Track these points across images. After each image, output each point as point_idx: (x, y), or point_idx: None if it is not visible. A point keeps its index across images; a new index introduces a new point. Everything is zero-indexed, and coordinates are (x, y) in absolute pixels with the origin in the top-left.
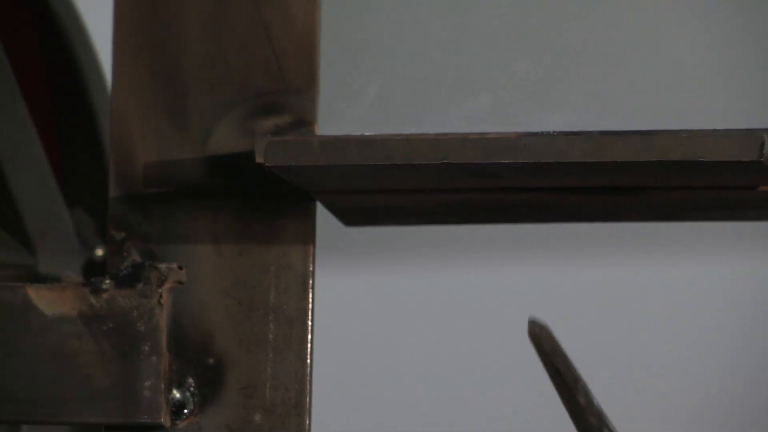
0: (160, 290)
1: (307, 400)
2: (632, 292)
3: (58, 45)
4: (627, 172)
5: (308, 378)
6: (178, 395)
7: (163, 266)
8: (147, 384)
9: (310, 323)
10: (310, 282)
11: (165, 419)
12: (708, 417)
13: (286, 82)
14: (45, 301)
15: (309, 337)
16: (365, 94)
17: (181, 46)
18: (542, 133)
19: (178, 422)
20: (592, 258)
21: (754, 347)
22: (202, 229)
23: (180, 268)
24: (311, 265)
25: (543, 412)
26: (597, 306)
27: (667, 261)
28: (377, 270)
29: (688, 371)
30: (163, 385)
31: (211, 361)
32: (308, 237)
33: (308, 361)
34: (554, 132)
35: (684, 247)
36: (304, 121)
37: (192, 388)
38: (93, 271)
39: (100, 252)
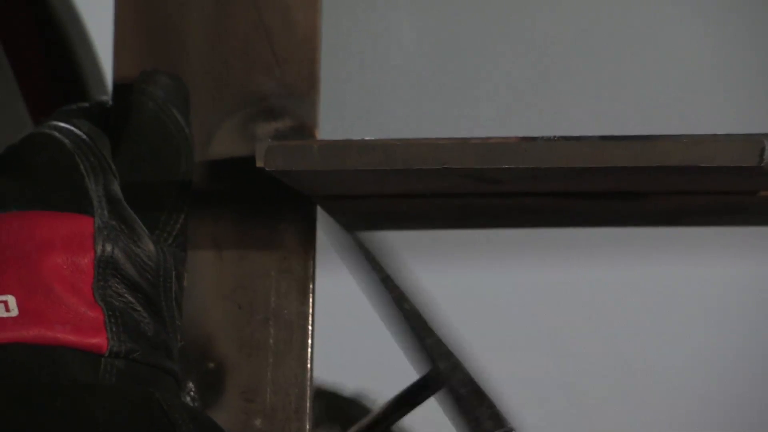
0: None
1: (308, 404)
2: (632, 293)
3: (58, 45)
4: (627, 177)
5: (309, 383)
6: None
7: None
8: None
9: (310, 328)
10: (311, 286)
11: None
12: (709, 417)
13: (287, 86)
14: None
15: (309, 341)
16: (366, 98)
17: (181, 50)
18: (543, 137)
19: None
20: (592, 259)
21: (754, 347)
22: (203, 233)
23: None
24: (312, 270)
25: (546, 414)
26: (597, 307)
27: (667, 262)
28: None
29: (689, 371)
30: None
31: (212, 365)
32: (309, 241)
33: (309, 365)
34: (555, 137)
35: (684, 247)
36: (304, 126)
37: (192, 393)
38: None
39: None
